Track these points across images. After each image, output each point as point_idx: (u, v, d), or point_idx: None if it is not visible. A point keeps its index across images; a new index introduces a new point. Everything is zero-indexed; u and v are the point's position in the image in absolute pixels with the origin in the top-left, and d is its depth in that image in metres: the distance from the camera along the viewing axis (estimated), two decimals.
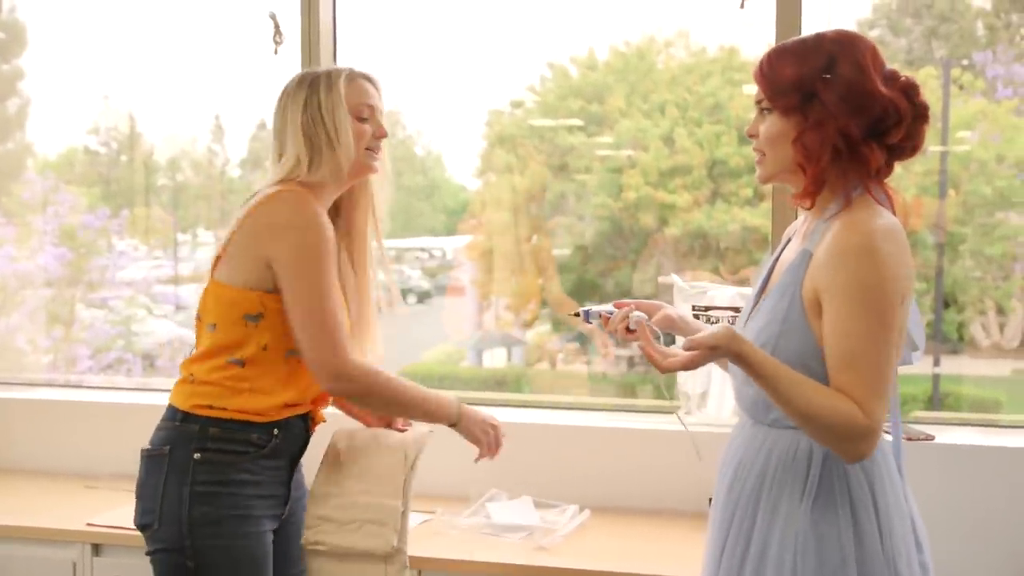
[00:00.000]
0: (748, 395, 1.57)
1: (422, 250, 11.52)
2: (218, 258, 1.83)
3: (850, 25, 8.10)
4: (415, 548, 2.15)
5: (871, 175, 1.49)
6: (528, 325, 9.94)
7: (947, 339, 8.31)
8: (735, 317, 2.44)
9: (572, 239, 9.30)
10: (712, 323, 2.47)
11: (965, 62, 7.77)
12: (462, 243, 10.92)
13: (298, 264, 1.76)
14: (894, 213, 1.50)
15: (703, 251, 7.72)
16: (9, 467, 2.84)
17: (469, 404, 1.95)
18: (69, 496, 2.59)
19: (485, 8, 9.51)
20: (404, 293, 11.29)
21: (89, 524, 2.32)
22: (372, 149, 1.92)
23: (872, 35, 8.40)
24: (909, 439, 2.30)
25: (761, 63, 1.53)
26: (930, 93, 7.61)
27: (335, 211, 1.97)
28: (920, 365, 1.55)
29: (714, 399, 2.54)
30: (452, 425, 1.92)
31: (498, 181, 9.99)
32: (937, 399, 7.47)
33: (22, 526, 2.35)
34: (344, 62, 2.76)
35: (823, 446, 1.46)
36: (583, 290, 9.29)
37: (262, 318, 1.79)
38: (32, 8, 6.88)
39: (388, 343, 2.02)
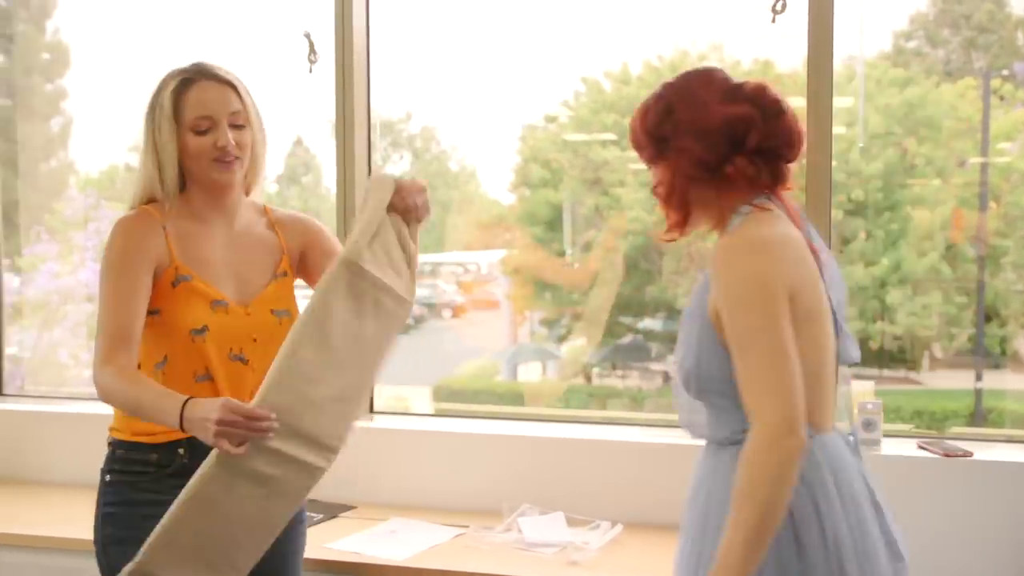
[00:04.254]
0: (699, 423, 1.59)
1: (457, 264, 11.56)
2: None
3: (886, 37, 8.05)
4: (448, 563, 2.16)
5: (750, 188, 1.52)
6: (563, 339, 9.93)
7: (989, 353, 8.14)
8: None
9: (607, 253, 9.29)
10: None
11: (1005, 72, 7.68)
12: (496, 257, 10.94)
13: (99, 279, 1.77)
14: (798, 225, 1.52)
15: None
16: (51, 480, 2.88)
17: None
18: None
19: (519, 25, 9.56)
20: (439, 307, 11.34)
21: None
22: (220, 161, 1.75)
23: (909, 47, 8.33)
24: (947, 455, 2.27)
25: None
26: (969, 104, 7.56)
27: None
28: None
29: None
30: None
31: (532, 195, 10.02)
32: (980, 414, 7.33)
33: (67, 538, 2.38)
34: (378, 79, 2.80)
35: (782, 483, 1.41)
36: (618, 303, 9.27)
37: None
38: (76, 30, 7.03)
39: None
